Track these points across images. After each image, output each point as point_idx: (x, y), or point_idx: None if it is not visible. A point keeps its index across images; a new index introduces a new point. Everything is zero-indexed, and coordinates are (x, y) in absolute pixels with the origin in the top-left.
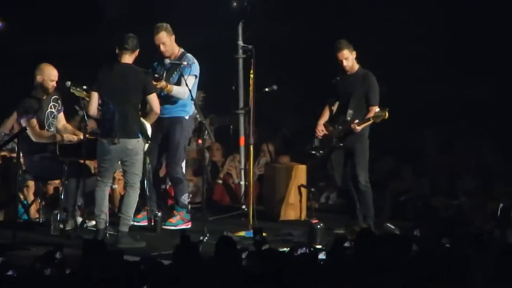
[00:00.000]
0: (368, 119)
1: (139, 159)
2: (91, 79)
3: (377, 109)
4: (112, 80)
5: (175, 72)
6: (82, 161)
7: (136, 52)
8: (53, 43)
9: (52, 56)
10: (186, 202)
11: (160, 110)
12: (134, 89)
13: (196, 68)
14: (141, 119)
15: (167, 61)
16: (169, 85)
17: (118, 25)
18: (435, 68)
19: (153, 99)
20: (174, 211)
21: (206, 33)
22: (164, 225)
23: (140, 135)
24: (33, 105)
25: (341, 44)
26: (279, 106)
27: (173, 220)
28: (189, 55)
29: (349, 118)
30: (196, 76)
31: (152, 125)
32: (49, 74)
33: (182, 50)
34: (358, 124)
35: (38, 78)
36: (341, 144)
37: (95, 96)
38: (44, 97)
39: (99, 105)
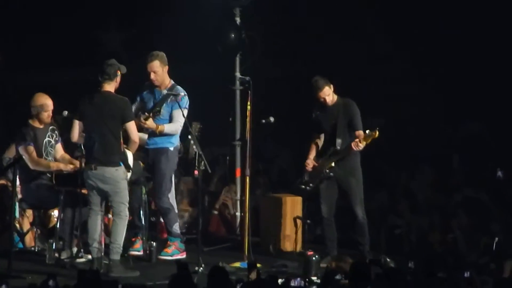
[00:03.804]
0: (360, 140)
1: (121, 187)
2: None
3: (367, 131)
4: (92, 109)
5: (165, 104)
6: (78, 191)
7: (117, 79)
8: (54, 75)
9: (52, 88)
10: (179, 232)
11: (146, 142)
12: (112, 117)
13: (187, 101)
14: (123, 148)
15: (164, 91)
16: (159, 126)
17: (117, 57)
18: (429, 104)
19: (131, 127)
20: (168, 242)
21: (204, 64)
22: (160, 255)
23: (121, 164)
24: (31, 133)
25: (319, 82)
26: (275, 139)
27: (169, 250)
28: (179, 87)
29: (338, 147)
30: (187, 109)
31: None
32: (43, 105)
33: (172, 82)
34: (360, 142)
35: (33, 109)
36: (331, 174)
37: (76, 124)
38: (41, 126)
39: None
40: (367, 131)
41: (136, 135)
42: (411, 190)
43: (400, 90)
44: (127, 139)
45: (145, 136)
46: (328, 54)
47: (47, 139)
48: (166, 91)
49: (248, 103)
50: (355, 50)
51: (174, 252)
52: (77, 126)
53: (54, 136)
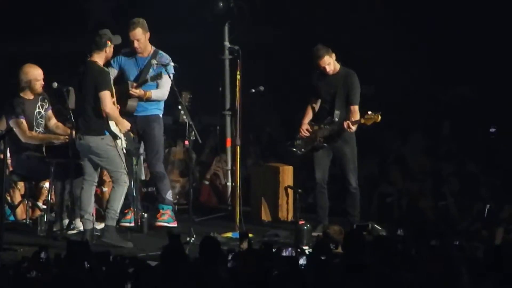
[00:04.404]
0: (359, 121)
1: (111, 155)
2: None
3: (369, 112)
4: (76, 79)
5: (152, 70)
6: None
7: (106, 50)
8: (40, 44)
9: (39, 58)
10: (171, 199)
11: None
12: (89, 87)
13: (172, 67)
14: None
15: (154, 62)
16: (147, 92)
17: (104, 26)
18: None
19: (103, 96)
20: (161, 210)
21: (193, 33)
22: (157, 222)
23: (106, 133)
24: (22, 105)
25: (320, 51)
26: (264, 108)
27: (164, 217)
28: (163, 53)
29: (336, 119)
30: (173, 74)
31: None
32: (35, 75)
33: (154, 48)
34: (353, 124)
35: (25, 80)
36: (325, 144)
37: (73, 92)
38: (32, 98)
39: None
40: (369, 112)
41: (107, 106)
42: (403, 157)
43: (391, 56)
44: None
45: (135, 102)
46: (318, 20)
47: (37, 110)
48: (150, 58)
49: (238, 72)
50: (345, 17)
51: (170, 219)
52: (73, 94)
53: (44, 105)
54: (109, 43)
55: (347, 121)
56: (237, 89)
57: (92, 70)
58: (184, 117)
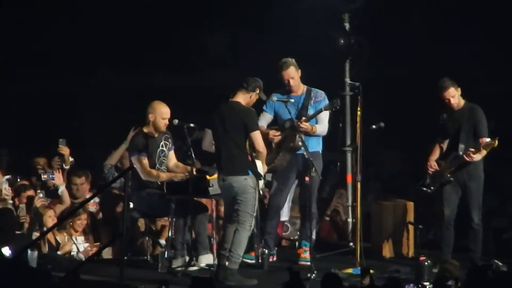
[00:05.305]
0: (479, 149)
1: (249, 197)
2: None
3: (487, 140)
4: (217, 119)
5: (310, 106)
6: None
7: (251, 94)
8: (158, 80)
9: (158, 93)
10: (314, 238)
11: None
12: (235, 127)
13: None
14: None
15: (274, 98)
16: (313, 127)
17: (221, 64)
18: None
19: (255, 136)
20: (304, 247)
21: (313, 70)
22: (300, 260)
23: (249, 172)
24: (145, 143)
25: (446, 83)
26: (384, 144)
27: (306, 255)
28: (317, 89)
29: (461, 153)
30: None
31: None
32: (161, 113)
33: (306, 86)
34: (474, 153)
35: (151, 116)
36: (452, 179)
37: (208, 132)
38: (156, 135)
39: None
40: (487, 140)
41: (260, 145)
42: None
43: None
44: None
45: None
46: (433, 57)
47: (160, 148)
48: (305, 96)
49: (358, 108)
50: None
51: (309, 259)
52: (208, 135)
53: (168, 144)
54: (258, 90)
55: (468, 151)
56: (358, 125)
57: (239, 110)
58: (304, 153)
